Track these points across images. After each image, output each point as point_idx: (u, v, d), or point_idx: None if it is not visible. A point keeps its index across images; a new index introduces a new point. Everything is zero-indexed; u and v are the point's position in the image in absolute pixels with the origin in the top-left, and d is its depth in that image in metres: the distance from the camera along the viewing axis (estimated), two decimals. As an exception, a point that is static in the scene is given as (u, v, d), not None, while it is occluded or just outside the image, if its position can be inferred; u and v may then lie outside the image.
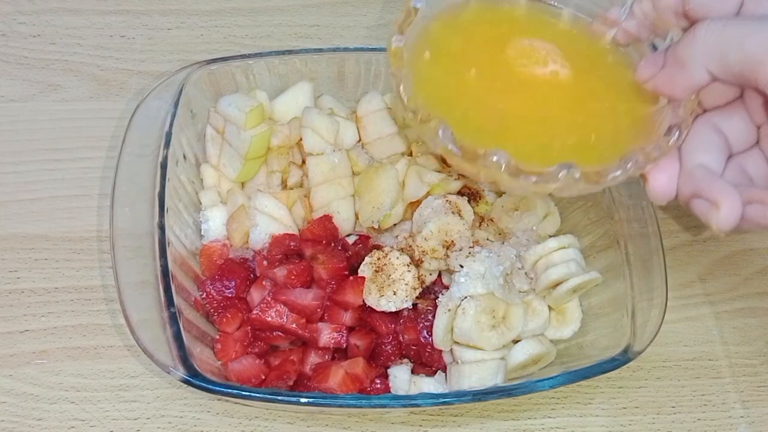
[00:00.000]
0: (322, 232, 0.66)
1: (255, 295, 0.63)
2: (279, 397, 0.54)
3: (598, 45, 0.56)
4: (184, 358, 0.54)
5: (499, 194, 0.71)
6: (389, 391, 0.61)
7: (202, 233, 0.68)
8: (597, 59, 0.55)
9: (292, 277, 0.62)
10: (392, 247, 0.65)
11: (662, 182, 0.48)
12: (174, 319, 0.56)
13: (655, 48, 0.53)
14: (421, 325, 0.63)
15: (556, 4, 0.57)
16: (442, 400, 0.57)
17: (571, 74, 0.54)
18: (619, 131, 0.52)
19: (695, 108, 0.49)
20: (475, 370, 0.60)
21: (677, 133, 0.48)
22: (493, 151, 0.48)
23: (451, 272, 0.64)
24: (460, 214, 0.66)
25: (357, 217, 0.68)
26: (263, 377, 0.60)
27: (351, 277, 0.63)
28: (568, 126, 0.52)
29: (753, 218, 0.45)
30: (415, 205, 0.68)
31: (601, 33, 0.56)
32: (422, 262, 0.64)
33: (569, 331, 0.65)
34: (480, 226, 0.69)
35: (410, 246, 0.65)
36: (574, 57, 0.55)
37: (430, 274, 0.65)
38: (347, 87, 0.74)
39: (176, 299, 0.57)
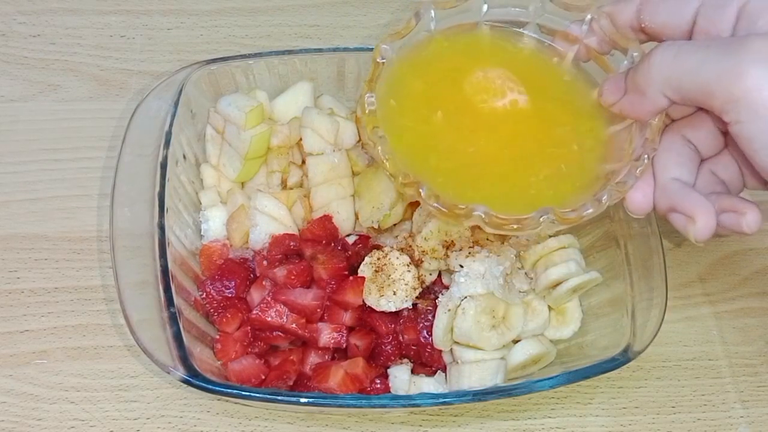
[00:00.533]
0: (322, 232, 0.66)
1: (255, 295, 0.63)
2: (279, 397, 0.54)
3: (557, 66, 0.57)
4: (184, 358, 0.54)
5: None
6: (389, 391, 0.61)
7: (202, 233, 0.68)
8: (555, 81, 0.57)
9: (292, 277, 0.62)
10: (392, 247, 0.65)
11: (638, 199, 0.50)
12: (174, 319, 0.56)
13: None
14: (421, 325, 0.63)
15: (520, 29, 0.58)
16: (442, 400, 0.57)
17: (530, 101, 0.55)
18: (585, 152, 0.54)
19: (662, 126, 0.51)
20: (475, 370, 0.60)
21: (646, 158, 0.49)
22: (474, 207, 0.50)
23: (451, 272, 0.64)
24: (460, 214, 0.66)
25: (357, 217, 0.68)
26: (263, 377, 0.60)
27: (351, 277, 0.63)
28: (538, 160, 0.54)
29: (727, 226, 0.47)
30: (415, 205, 0.68)
31: (562, 53, 0.57)
32: (422, 262, 0.64)
33: (569, 331, 0.65)
34: (480, 226, 0.69)
35: (410, 246, 0.65)
36: (530, 81, 0.56)
37: (430, 274, 0.65)
38: (347, 87, 0.74)
39: (176, 299, 0.57)
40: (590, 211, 0.50)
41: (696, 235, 0.46)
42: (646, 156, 0.49)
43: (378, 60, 0.55)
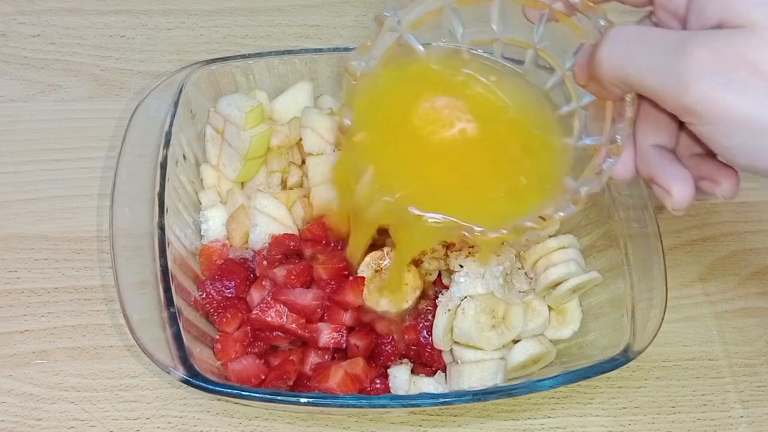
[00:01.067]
0: (322, 232, 0.66)
1: (255, 295, 0.63)
2: (279, 397, 0.54)
3: (504, 81, 0.57)
4: (184, 358, 0.54)
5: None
6: (389, 391, 0.61)
7: (201, 233, 0.68)
8: (503, 99, 0.57)
9: (292, 277, 0.62)
10: (392, 248, 0.65)
11: (620, 170, 0.50)
12: (174, 319, 0.56)
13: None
14: (421, 325, 0.63)
15: (478, 51, 0.58)
16: (442, 400, 0.57)
17: (479, 126, 0.55)
18: (542, 160, 0.54)
19: (635, 98, 0.49)
20: (475, 370, 0.60)
21: (619, 139, 0.49)
22: (467, 227, 0.51)
23: (451, 272, 0.64)
24: (460, 214, 0.66)
25: (357, 217, 0.68)
26: (263, 377, 0.60)
27: (351, 277, 0.63)
28: (494, 177, 0.54)
29: (705, 190, 0.47)
30: (414, 205, 0.68)
31: (511, 68, 0.57)
32: (422, 262, 0.64)
33: (569, 331, 0.65)
34: (480, 226, 0.69)
35: (410, 246, 0.65)
36: (477, 104, 0.56)
37: (430, 274, 0.65)
38: (347, 87, 0.74)
39: (176, 299, 0.57)
40: (573, 209, 0.50)
41: (672, 206, 0.46)
42: (619, 137, 0.49)
43: (352, 83, 0.54)
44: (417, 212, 0.51)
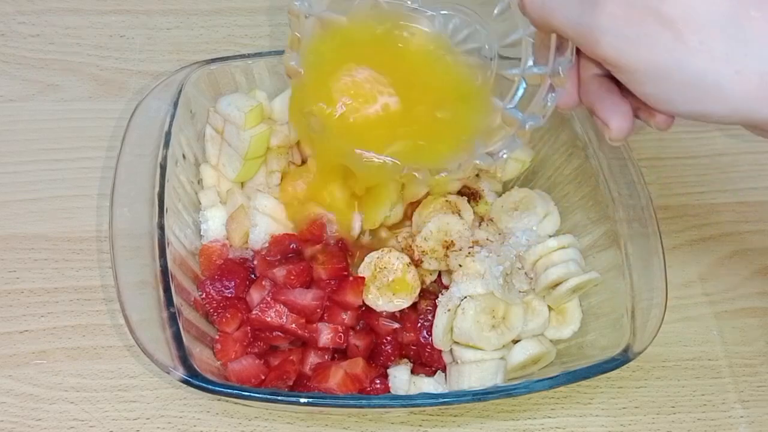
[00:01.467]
0: (322, 232, 0.66)
1: (255, 295, 0.62)
2: (279, 397, 0.54)
3: (449, 18, 0.56)
4: (184, 358, 0.54)
5: (500, 194, 0.71)
6: (389, 391, 0.61)
7: (201, 233, 0.68)
8: (446, 38, 0.56)
9: (292, 277, 0.62)
10: (392, 247, 0.65)
11: (564, 98, 0.50)
12: (173, 319, 0.56)
13: None
14: (421, 325, 0.63)
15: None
16: (441, 400, 0.57)
17: (400, 98, 0.56)
18: (483, 102, 0.54)
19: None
20: (474, 370, 0.60)
21: (561, 72, 0.48)
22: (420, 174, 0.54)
23: (451, 272, 0.64)
24: (459, 214, 0.66)
25: (357, 217, 0.68)
26: (263, 377, 0.60)
27: (351, 277, 0.63)
28: (437, 121, 0.55)
29: (643, 121, 0.47)
30: (415, 205, 0.68)
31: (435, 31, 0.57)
32: (422, 262, 0.64)
33: (569, 331, 0.65)
34: (480, 226, 0.69)
35: (410, 246, 0.65)
36: (418, 47, 0.56)
37: (430, 274, 0.65)
38: (347, 87, 0.74)
39: (176, 299, 0.57)
40: (517, 143, 0.51)
41: (610, 138, 0.47)
42: (561, 69, 0.49)
43: (295, 25, 0.54)
44: (361, 152, 0.52)
